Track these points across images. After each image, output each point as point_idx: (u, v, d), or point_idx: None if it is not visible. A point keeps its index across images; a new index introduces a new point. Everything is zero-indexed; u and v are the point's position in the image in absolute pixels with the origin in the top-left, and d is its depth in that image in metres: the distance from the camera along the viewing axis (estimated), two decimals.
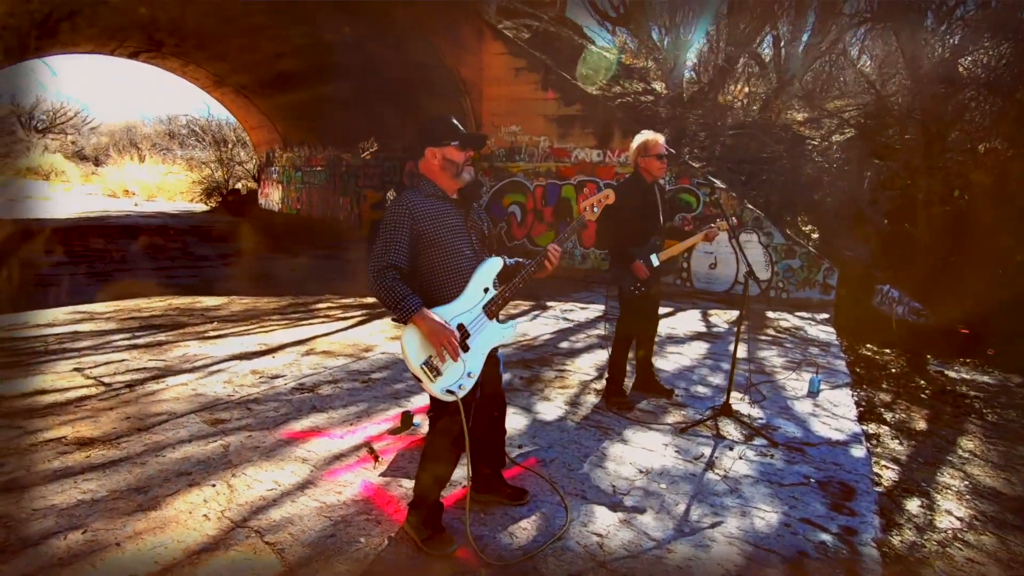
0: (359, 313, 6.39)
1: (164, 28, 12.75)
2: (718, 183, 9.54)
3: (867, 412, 5.16)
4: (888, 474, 4.09)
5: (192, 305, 6.40)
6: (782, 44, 12.45)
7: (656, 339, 5.94)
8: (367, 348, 5.05)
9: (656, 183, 4.07)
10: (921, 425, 4.47)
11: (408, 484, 2.79)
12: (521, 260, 2.43)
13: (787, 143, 10.37)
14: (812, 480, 3.13)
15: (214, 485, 2.68)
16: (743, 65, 13.42)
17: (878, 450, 4.56)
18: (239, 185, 21.87)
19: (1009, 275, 7.74)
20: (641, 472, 3.08)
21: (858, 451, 3.57)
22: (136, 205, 22.00)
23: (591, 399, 4.14)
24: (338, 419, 3.51)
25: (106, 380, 3.96)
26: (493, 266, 2.32)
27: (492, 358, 2.41)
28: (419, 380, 2.18)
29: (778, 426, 3.84)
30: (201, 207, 21.90)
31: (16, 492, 2.54)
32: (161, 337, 5.06)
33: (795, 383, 4.81)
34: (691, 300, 8.63)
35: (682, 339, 6.11)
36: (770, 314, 7.90)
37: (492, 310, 2.30)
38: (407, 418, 3.46)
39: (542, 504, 2.71)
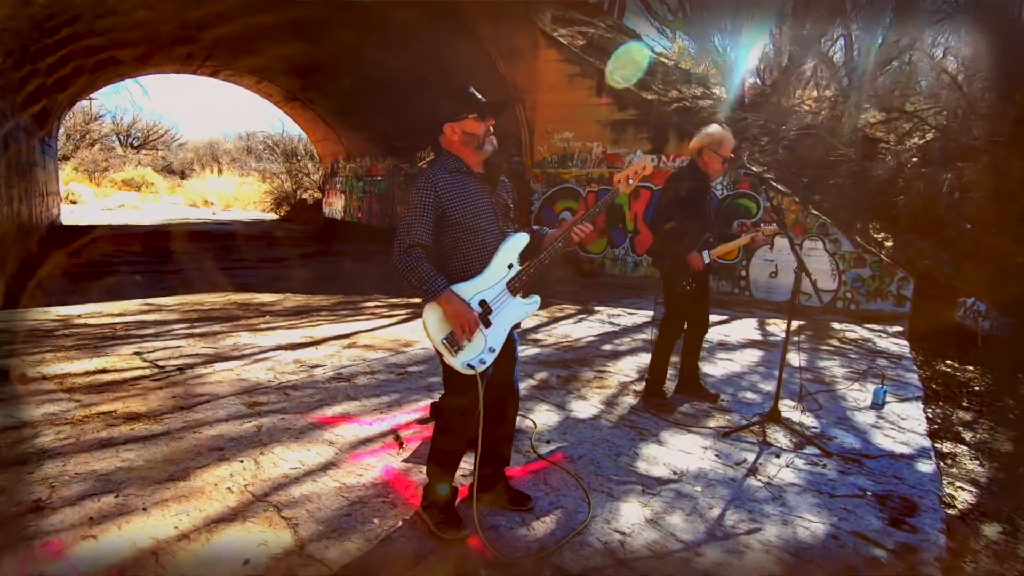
0: (404, 312, 6.48)
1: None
2: (779, 186, 9.08)
3: (943, 430, 4.70)
4: (964, 496, 3.69)
5: (249, 301, 6.70)
6: (854, 44, 11.80)
7: (706, 345, 5.70)
8: (407, 344, 5.09)
9: (711, 181, 3.90)
10: (1007, 447, 4.03)
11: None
12: (549, 231, 2.36)
13: (857, 146, 9.76)
14: (869, 493, 2.85)
15: (242, 461, 2.74)
16: (811, 67, 12.81)
17: (953, 470, 4.13)
18: (306, 195, 22.92)
19: None
20: (675, 473, 2.91)
21: (925, 466, 3.23)
22: (214, 214, 23.50)
23: (629, 400, 3.98)
24: (369, 407, 3.54)
25: (161, 363, 4.17)
26: (518, 242, 2.25)
27: (509, 353, 2.33)
28: (440, 354, 2.16)
29: (834, 436, 3.55)
30: (271, 216, 23.10)
31: (64, 457, 2.69)
32: (216, 328, 5.30)
33: (858, 394, 4.44)
34: (749, 309, 8.22)
35: (734, 346, 5.81)
36: (836, 325, 7.40)
37: (516, 286, 2.24)
38: (436, 409, 3.43)
39: (565, 499, 2.59)
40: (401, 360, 4.57)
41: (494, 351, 2.18)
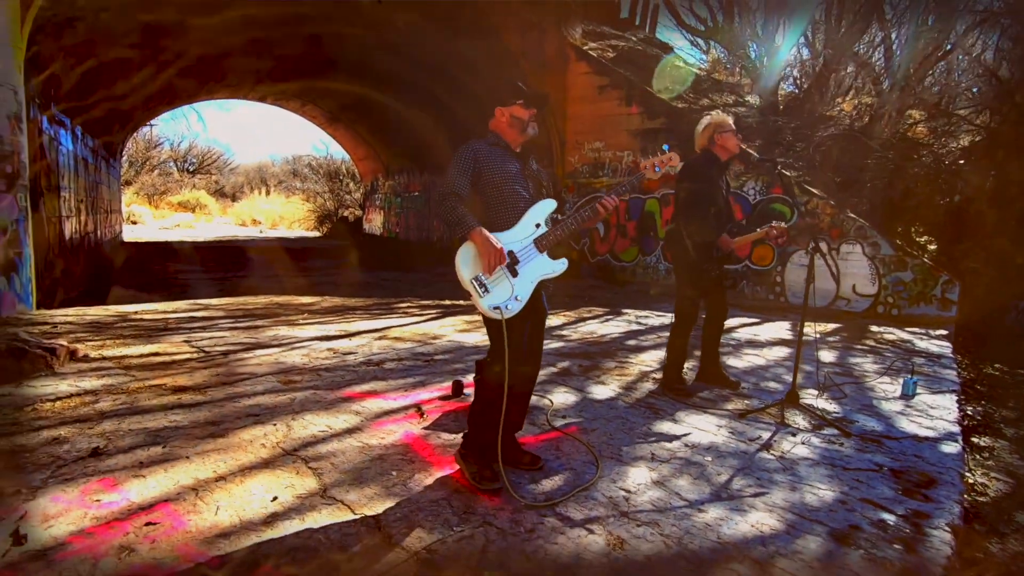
0: (434, 312, 6.69)
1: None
2: (814, 189, 8.97)
3: (983, 425, 4.57)
4: (999, 486, 3.60)
5: (289, 302, 7.05)
6: (894, 47, 11.61)
7: (733, 342, 5.69)
8: (435, 336, 5.28)
9: (728, 167, 3.98)
10: None
11: (447, 437, 2.91)
12: (582, 207, 2.53)
13: (895, 147, 9.56)
14: (885, 468, 2.84)
15: (275, 424, 2.95)
16: (848, 73, 12.64)
17: (990, 462, 4.03)
18: (347, 213, 23.75)
19: None
20: (687, 446, 2.96)
21: (950, 448, 3.18)
22: (260, 232, 24.59)
23: (648, 386, 4.04)
24: (395, 386, 3.72)
25: (207, 349, 4.48)
26: (546, 205, 2.47)
27: (536, 315, 2.49)
28: (470, 295, 2.33)
29: (856, 420, 3.52)
30: (315, 233, 24.00)
31: (119, 418, 2.96)
32: (258, 323, 5.63)
33: (887, 387, 4.37)
34: (784, 314, 8.09)
35: (762, 344, 5.76)
36: (874, 328, 7.21)
37: (542, 244, 2.42)
38: (458, 386, 3.59)
39: (575, 462, 2.69)
40: (428, 350, 4.76)
41: (519, 300, 2.35)
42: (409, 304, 7.26)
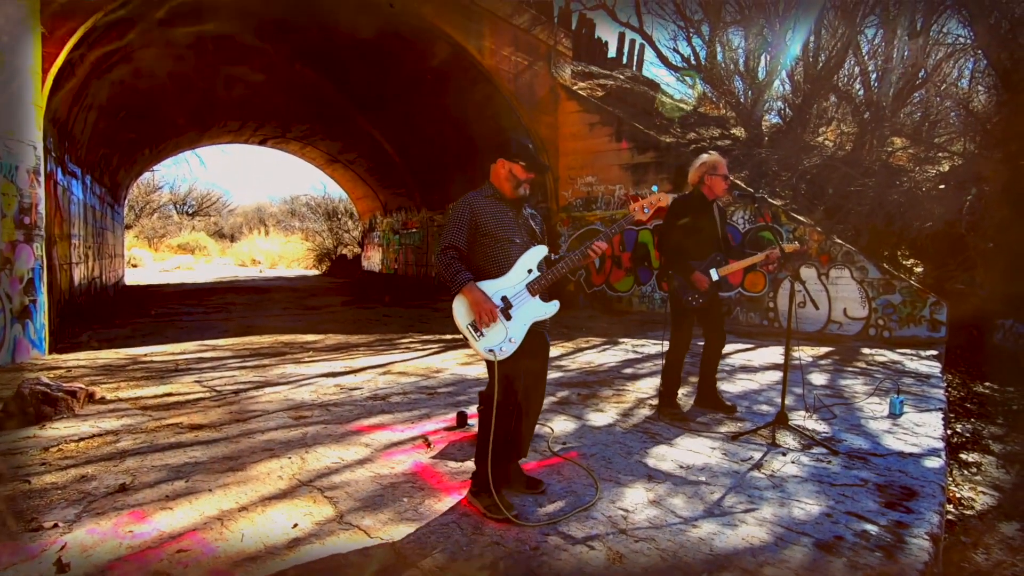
0: (436, 346, 6.87)
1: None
2: (800, 217, 9.28)
3: (971, 442, 4.72)
4: (985, 499, 3.76)
5: (294, 340, 7.22)
6: (872, 78, 12.13)
7: (727, 368, 5.86)
8: (438, 370, 5.45)
9: (716, 202, 4.22)
10: None
11: (454, 465, 3.06)
12: (572, 252, 2.74)
13: (877, 175, 9.92)
14: (870, 483, 2.99)
15: (290, 457, 3.11)
16: (831, 103, 13.15)
17: (977, 477, 4.19)
18: (346, 251, 24.06)
19: None
20: (681, 467, 3.12)
21: (933, 462, 3.34)
22: (260, 271, 24.83)
23: (645, 412, 4.20)
24: (401, 419, 3.88)
25: (218, 388, 4.64)
26: (538, 252, 2.67)
27: (539, 350, 2.69)
28: (466, 339, 2.53)
29: (843, 439, 3.68)
30: (314, 271, 24.25)
31: (141, 455, 3.11)
32: (265, 361, 5.80)
33: (876, 407, 4.53)
34: (778, 339, 8.27)
35: (755, 369, 5.94)
36: (866, 350, 7.40)
37: (534, 288, 2.61)
38: (462, 417, 3.75)
39: (575, 485, 2.85)
40: (431, 383, 4.93)
41: (514, 342, 2.53)
42: (411, 340, 7.43)
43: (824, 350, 7.33)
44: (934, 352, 7.31)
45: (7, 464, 2.95)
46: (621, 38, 17.40)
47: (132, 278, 18.56)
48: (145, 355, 6.11)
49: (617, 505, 2.64)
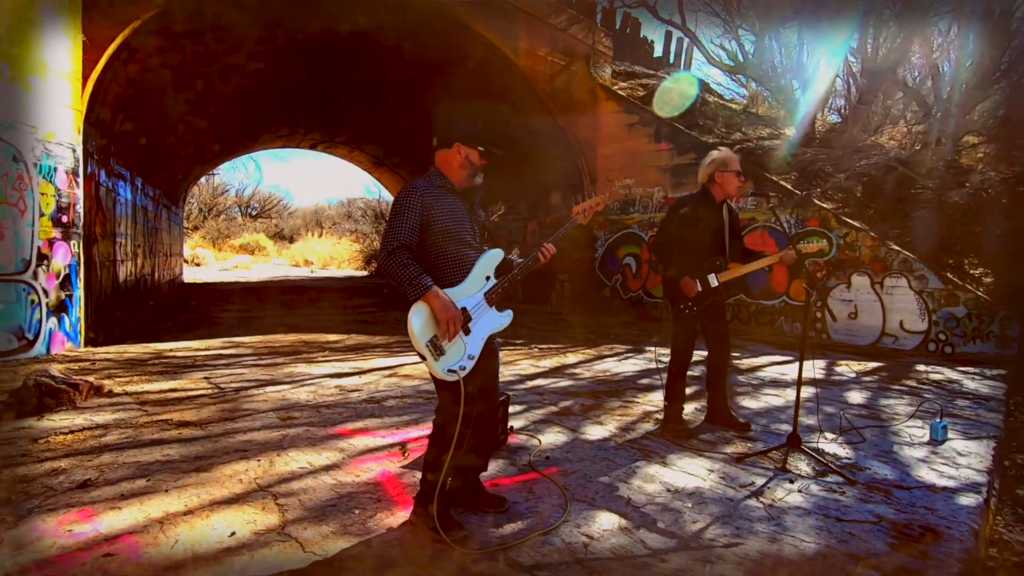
0: None
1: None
2: (853, 221, 8.63)
3: None
4: None
5: (316, 340, 7.30)
6: (943, 72, 11.19)
7: (755, 382, 5.45)
8: None
9: (727, 204, 3.90)
10: None
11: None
12: (518, 258, 2.52)
13: (939, 176, 9.10)
14: (885, 520, 2.62)
15: (259, 460, 3.04)
16: (896, 100, 12.23)
17: None
18: None
19: None
20: (669, 491, 2.84)
21: (968, 499, 2.90)
22: (311, 272, 25.66)
23: (648, 427, 3.92)
24: (388, 424, 3.76)
25: (222, 385, 4.69)
26: (495, 256, 2.42)
27: (489, 364, 2.45)
28: (423, 358, 2.23)
29: (867, 467, 3.28)
30: (362, 272, 24.82)
31: (119, 451, 3.13)
32: (279, 360, 5.85)
33: (917, 431, 4.05)
34: (822, 352, 7.69)
35: (787, 383, 5.49)
36: (921, 367, 6.75)
37: (492, 298, 2.37)
38: None
39: (543, 505, 2.63)
40: (433, 388, 4.79)
41: (473, 358, 2.29)
42: None
43: (872, 365, 6.73)
44: (1002, 372, 6.57)
45: None
46: (668, 37, 16.90)
47: (191, 276, 19.54)
48: (170, 350, 6.30)
49: (582, 530, 2.40)
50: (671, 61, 16.76)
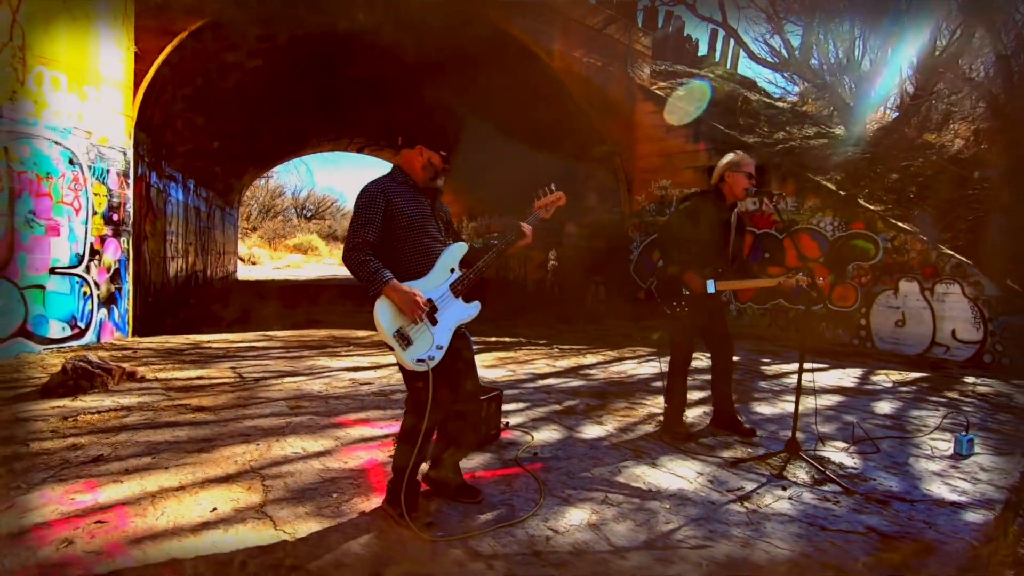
0: (476, 347, 6.83)
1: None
2: (903, 224, 8.19)
3: None
4: None
5: (345, 335, 7.55)
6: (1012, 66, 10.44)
7: (778, 388, 5.27)
8: None
9: (737, 210, 3.81)
10: None
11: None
12: (491, 243, 2.58)
13: (1012, 179, 8.48)
14: (874, 532, 2.50)
15: (259, 444, 3.20)
16: (960, 97, 11.49)
17: None
18: None
19: None
20: (650, 491, 2.81)
21: (976, 516, 2.73)
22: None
23: (648, 428, 3.86)
24: (389, 416, 3.87)
25: (245, 375, 4.94)
26: (459, 249, 2.48)
27: (467, 356, 2.53)
28: (391, 349, 2.31)
29: (872, 478, 3.13)
30: None
31: (135, 431, 3.37)
32: (305, 353, 6.09)
33: (942, 444, 3.82)
34: (861, 360, 7.33)
35: (810, 391, 5.26)
36: (969, 379, 6.33)
37: (458, 289, 2.43)
38: None
39: (518, 499, 2.65)
40: None
41: (442, 348, 2.35)
42: None
43: (914, 376, 6.37)
44: None
45: (24, 429, 3.31)
46: (713, 34, 16.50)
47: (245, 274, 20.53)
48: (207, 341, 6.67)
49: (548, 524, 2.41)
50: (716, 59, 16.35)
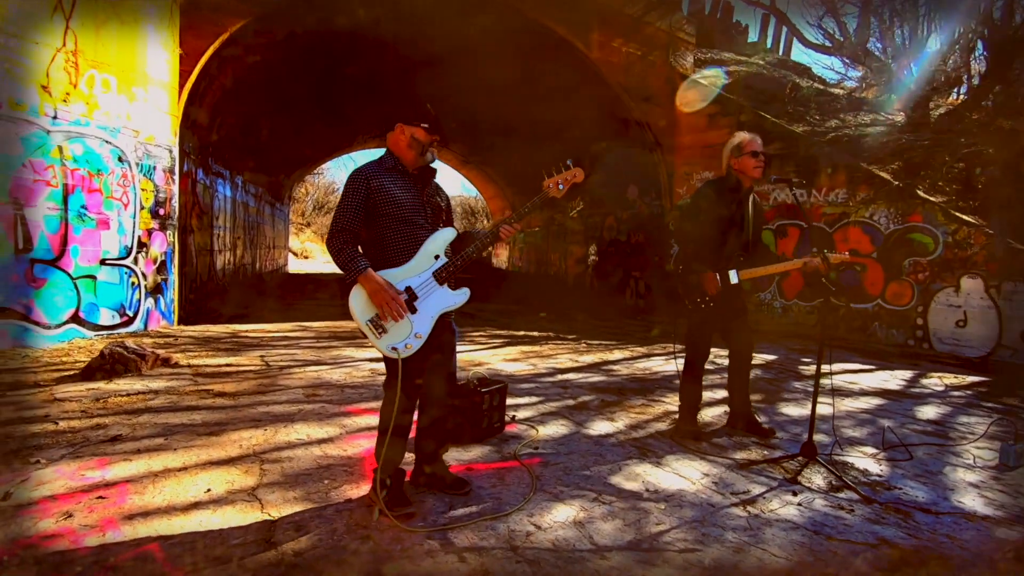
0: (500, 340, 6.83)
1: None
2: (965, 216, 7.62)
3: None
4: None
5: None
6: None
7: (809, 388, 5.00)
8: (477, 364, 5.40)
9: (752, 194, 3.63)
10: None
11: (408, 456, 3.00)
12: (478, 231, 2.53)
13: None
14: (885, 544, 2.32)
15: (266, 430, 3.29)
16: None
17: None
18: None
19: None
20: (648, 491, 2.71)
21: (1009, 532, 2.49)
22: None
23: (661, 426, 3.74)
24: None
25: (271, 363, 5.10)
26: (445, 235, 2.44)
27: (440, 347, 2.49)
28: (366, 336, 2.35)
29: (898, 486, 2.91)
30: None
31: (156, 412, 3.53)
32: (334, 343, 6.24)
33: (988, 452, 3.53)
34: (914, 362, 6.86)
35: (850, 392, 4.97)
36: None
37: (442, 276, 2.39)
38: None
39: (507, 493, 2.61)
40: (460, 376, 4.89)
41: (420, 337, 2.33)
42: (482, 333, 7.48)
43: (972, 380, 5.92)
44: None
45: (59, 408, 3.53)
46: (764, 20, 15.78)
47: (296, 267, 21.30)
48: (245, 331, 6.94)
49: (533, 520, 2.36)
50: (768, 46, 15.64)
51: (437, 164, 2.65)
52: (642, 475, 2.89)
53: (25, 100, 5.25)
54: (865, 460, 3.27)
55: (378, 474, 2.39)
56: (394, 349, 2.29)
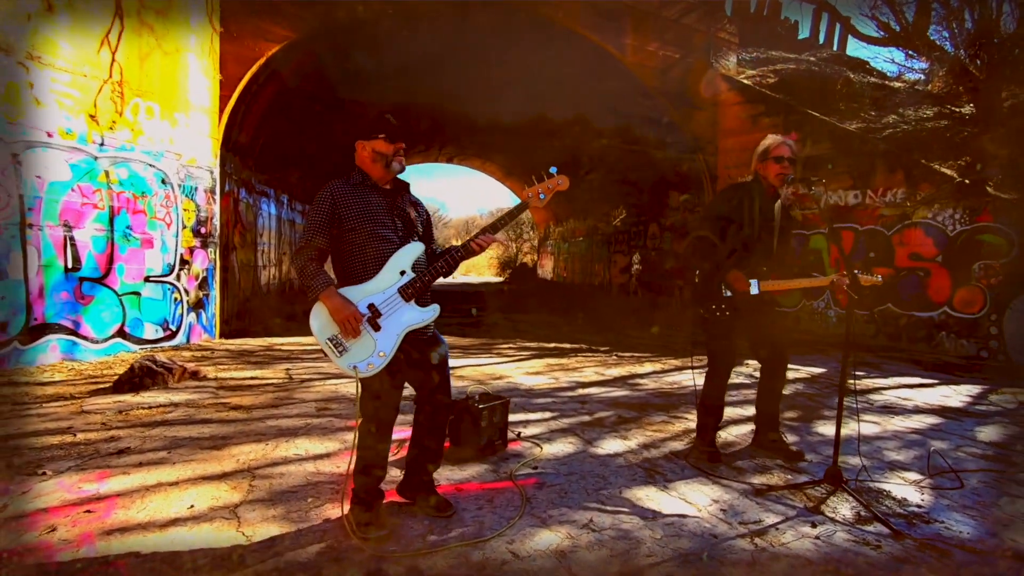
0: (527, 353, 6.69)
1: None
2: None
3: None
4: None
5: None
6: None
7: (861, 405, 4.60)
8: (498, 377, 5.29)
9: (781, 200, 3.38)
10: None
11: (397, 473, 2.92)
12: (453, 246, 2.44)
13: None
14: None
15: (266, 444, 3.30)
16: None
17: None
18: (526, 259, 25.05)
19: None
20: (644, 518, 2.50)
21: None
22: (454, 277, 27.26)
23: (677, 445, 3.50)
24: (403, 421, 3.83)
25: (295, 376, 5.18)
26: (412, 250, 2.34)
27: (426, 365, 2.41)
28: (326, 354, 2.29)
29: (941, 520, 2.57)
30: (498, 278, 25.78)
31: (169, 426, 3.62)
32: None
33: None
34: (988, 376, 6.23)
35: (901, 411, 4.53)
36: None
37: (408, 293, 2.30)
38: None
39: (492, 517, 2.48)
40: (476, 391, 4.79)
41: (385, 355, 2.25)
42: (509, 345, 7.37)
43: None
44: None
45: (83, 420, 3.68)
46: (816, 15, 15.06)
47: None
48: (280, 344, 7.12)
49: (512, 547, 2.22)
50: (820, 42, 14.90)
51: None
52: (644, 500, 2.68)
53: (74, 129, 5.60)
54: (905, 488, 2.93)
55: (354, 496, 2.33)
56: (355, 368, 2.23)
